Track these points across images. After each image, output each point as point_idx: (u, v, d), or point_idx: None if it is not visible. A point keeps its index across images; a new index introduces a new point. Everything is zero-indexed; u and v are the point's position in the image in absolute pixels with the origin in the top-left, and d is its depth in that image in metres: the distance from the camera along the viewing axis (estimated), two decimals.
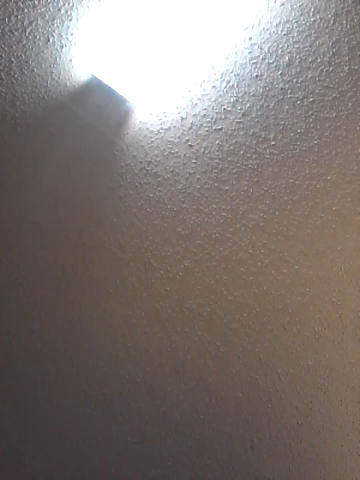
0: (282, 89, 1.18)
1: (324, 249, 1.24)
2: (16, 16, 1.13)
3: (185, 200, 1.24)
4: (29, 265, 1.27)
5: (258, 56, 1.17)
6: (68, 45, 1.16)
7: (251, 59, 1.17)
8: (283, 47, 1.16)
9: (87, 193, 1.25)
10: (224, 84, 1.19)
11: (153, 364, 1.29)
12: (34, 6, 1.13)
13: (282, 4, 1.14)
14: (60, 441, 1.32)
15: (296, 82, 1.17)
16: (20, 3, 1.12)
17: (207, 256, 1.26)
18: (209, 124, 1.21)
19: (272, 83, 1.18)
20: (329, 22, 1.14)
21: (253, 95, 1.19)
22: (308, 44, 1.15)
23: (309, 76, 1.17)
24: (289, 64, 1.17)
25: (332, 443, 1.32)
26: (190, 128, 1.21)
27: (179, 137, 1.22)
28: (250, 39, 1.16)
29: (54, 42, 1.16)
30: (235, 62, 1.17)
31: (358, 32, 1.14)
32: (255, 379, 1.29)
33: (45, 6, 1.13)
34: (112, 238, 1.27)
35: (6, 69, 1.17)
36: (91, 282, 1.28)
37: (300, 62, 1.16)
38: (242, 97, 1.19)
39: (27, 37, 1.15)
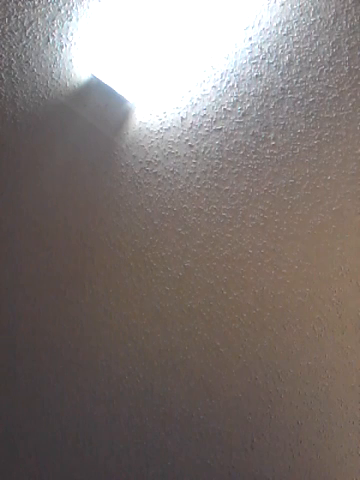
0: (282, 89, 1.18)
1: (324, 249, 1.24)
2: (16, 16, 1.13)
3: (185, 200, 1.24)
4: (29, 265, 1.27)
5: (258, 56, 1.17)
6: (68, 45, 1.16)
7: (251, 59, 1.17)
8: (283, 47, 1.16)
9: (87, 193, 1.25)
10: (224, 84, 1.19)
11: (153, 364, 1.29)
12: (34, 6, 1.13)
13: (282, 4, 1.14)
14: (60, 441, 1.32)
15: (296, 82, 1.17)
16: (20, 3, 1.12)
17: (207, 256, 1.26)
18: (209, 124, 1.21)
19: (272, 83, 1.18)
20: (329, 22, 1.14)
21: (253, 95, 1.19)
22: (308, 44, 1.15)
23: (309, 76, 1.17)
24: (289, 64, 1.17)
25: (332, 443, 1.32)
26: (190, 128, 1.21)
27: (179, 137, 1.22)
28: (250, 39, 1.16)
29: (54, 42, 1.16)
30: (235, 62, 1.17)
31: (358, 32, 1.14)
32: (255, 379, 1.29)
33: (45, 6, 1.13)
34: (112, 238, 1.27)
35: (6, 69, 1.17)
36: (91, 282, 1.28)
37: (300, 62, 1.16)
38: (242, 97, 1.19)
39: (27, 37, 1.15)
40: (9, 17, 1.13)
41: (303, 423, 1.31)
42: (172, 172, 1.24)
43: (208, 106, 1.20)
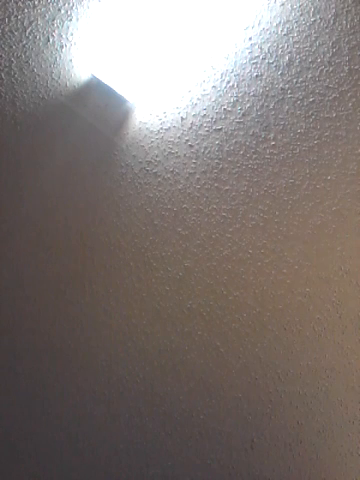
0: (282, 89, 1.18)
1: (324, 249, 1.24)
2: (16, 16, 1.13)
3: (185, 200, 1.24)
4: (29, 265, 1.27)
5: (258, 56, 1.17)
6: (68, 45, 1.16)
7: (251, 59, 1.17)
8: (283, 47, 1.16)
9: (87, 193, 1.25)
10: (224, 84, 1.19)
11: (153, 364, 1.29)
12: (34, 6, 1.13)
13: (282, 4, 1.14)
14: (60, 441, 1.32)
15: (296, 82, 1.17)
16: (20, 3, 1.12)
17: (207, 256, 1.26)
18: (209, 124, 1.21)
19: (272, 83, 1.18)
20: (329, 22, 1.14)
21: (253, 95, 1.19)
22: (308, 44, 1.15)
23: (309, 76, 1.17)
24: (289, 64, 1.17)
25: (332, 443, 1.32)
26: (190, 128, 1.21)
27: (179, 137, 1.22)
28: (250, 39, 1.16)
29: (54, 42, 1.16)
30: (235, 62, 1.17)
31: (358, 32, 1.14)
32: (255, 379, 1.29)
33: (45, 6, 1.13)
34: (112, 238, 1.27)
35: (6, 69, 1.17)
36: (91, 282, 1.28)
37: (300, 62, 1.16)
38: (242, 97, 1.19)
39: (27, 37, 1.15)
40: (9, 17, 1.13)
41: (303, 423, 1.31)
42: (172, 172, 1.24)
43: (208, 106, 1.20)
